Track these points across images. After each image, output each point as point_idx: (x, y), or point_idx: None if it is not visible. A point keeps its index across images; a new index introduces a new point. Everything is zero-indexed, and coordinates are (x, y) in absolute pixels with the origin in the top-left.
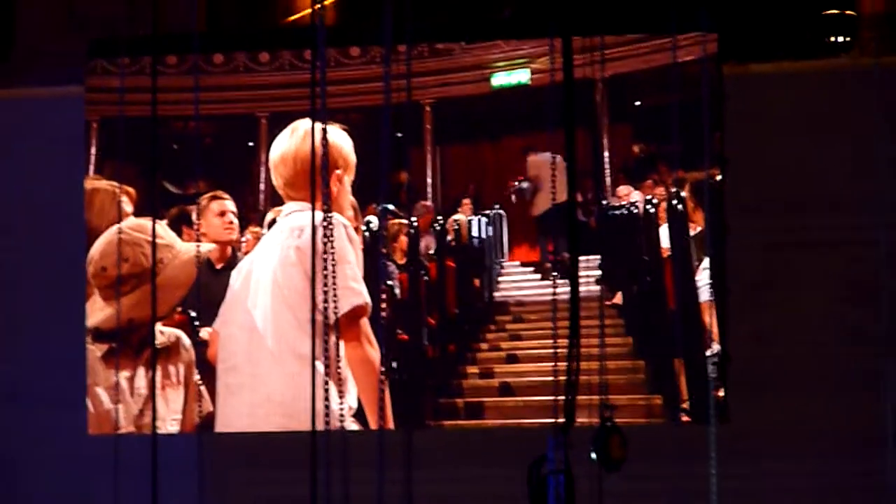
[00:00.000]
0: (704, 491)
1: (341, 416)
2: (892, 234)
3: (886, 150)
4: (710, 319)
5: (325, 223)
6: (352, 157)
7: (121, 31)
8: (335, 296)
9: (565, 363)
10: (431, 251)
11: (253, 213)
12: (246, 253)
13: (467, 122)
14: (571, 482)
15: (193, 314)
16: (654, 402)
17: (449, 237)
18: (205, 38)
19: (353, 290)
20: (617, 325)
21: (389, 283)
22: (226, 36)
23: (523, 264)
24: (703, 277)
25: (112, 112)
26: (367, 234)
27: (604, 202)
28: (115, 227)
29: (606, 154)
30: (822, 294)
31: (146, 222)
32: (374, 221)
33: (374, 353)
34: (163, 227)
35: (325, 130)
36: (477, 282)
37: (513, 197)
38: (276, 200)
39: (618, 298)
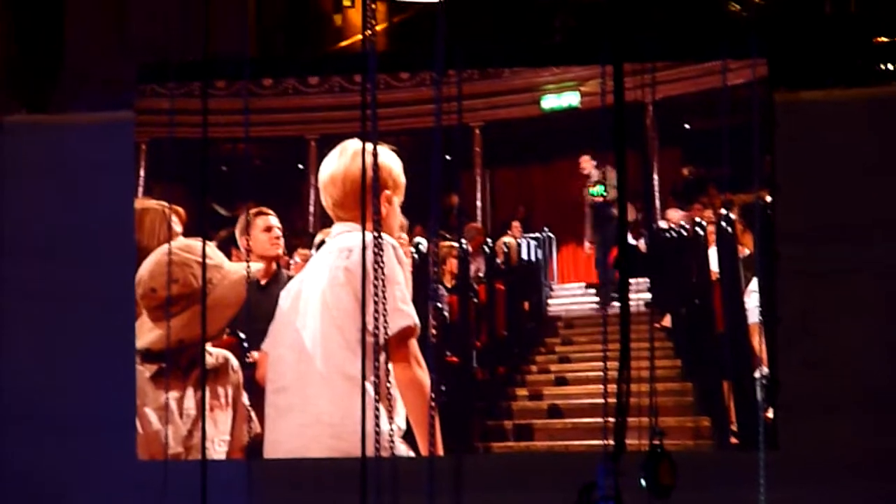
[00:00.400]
0: None
1: (391, 437)
2: None
3: None
4: (759, 342)
5: (374, 244)
6: (401, 178)
7: (170, 54)
8: (384, 317)
9: (615, 385)
10: (481, 274)
11: (302, 236)
12: (294, 274)
13: (517, 145)
14: None
15: (243, 336)
16: (702, 423)
17: (498, 259)
18: (256, 63)
19: (401, 312)
20: (665, 348)
21: (439, 305)
22: (276, 62)
23: (573, 284)
24: (751, 300)
25: (161, 133)
26: (416, 255)
27: (653, 225)
28: (163, 248)
29: (656, 177)
30: (870, 320)
31: (195, 243)
32: (423, 243)
33: (423, 374)
34: (212, 247)
35: (375, 150)
36: (526, 304)
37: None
38: (325, 222)
39: (666, 321)
